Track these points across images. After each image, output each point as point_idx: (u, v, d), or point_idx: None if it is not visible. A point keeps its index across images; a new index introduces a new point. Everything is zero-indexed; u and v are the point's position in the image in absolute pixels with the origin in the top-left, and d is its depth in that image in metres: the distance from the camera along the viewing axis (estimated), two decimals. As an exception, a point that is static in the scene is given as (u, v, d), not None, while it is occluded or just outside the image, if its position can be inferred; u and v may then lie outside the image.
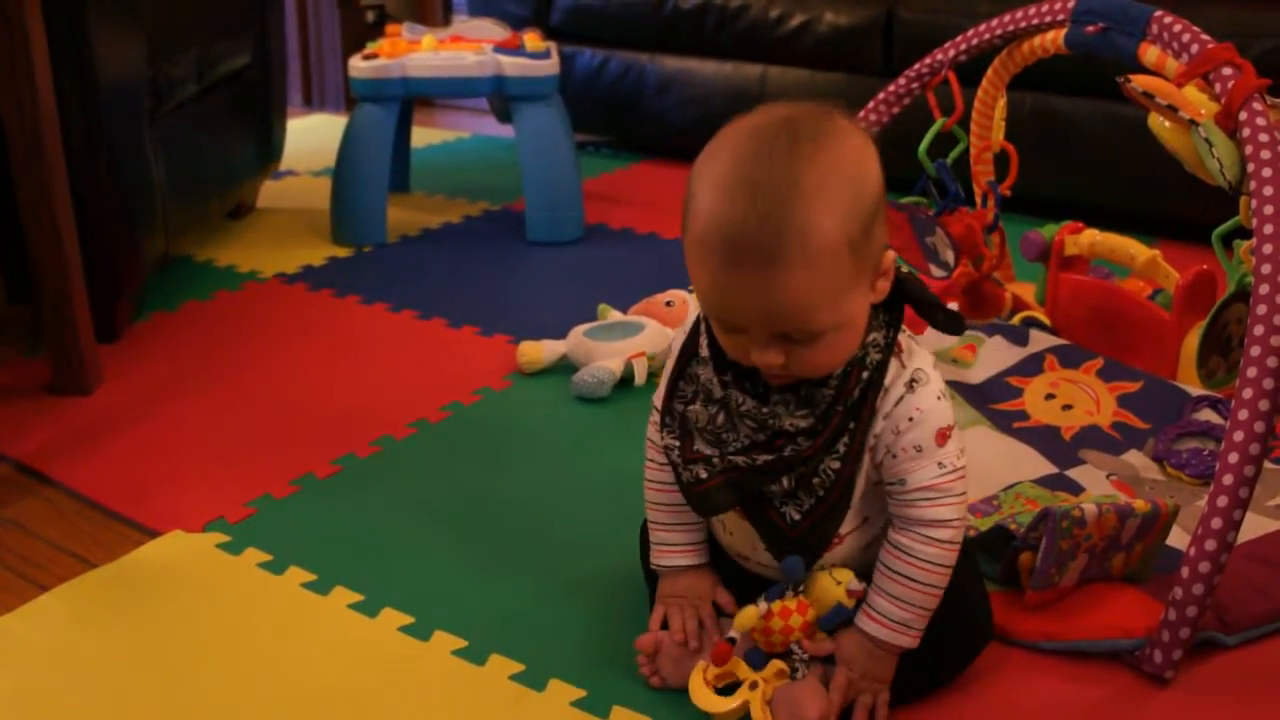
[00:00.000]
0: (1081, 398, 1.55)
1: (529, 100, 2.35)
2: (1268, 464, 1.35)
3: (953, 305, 1.70)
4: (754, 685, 1.04)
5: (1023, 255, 1.77)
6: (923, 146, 1.65)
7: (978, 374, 1.62)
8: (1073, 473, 1.42)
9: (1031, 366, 1.61)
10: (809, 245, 0.88)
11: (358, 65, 2.35)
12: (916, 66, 1.67)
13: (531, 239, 2.39)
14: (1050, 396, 1.56)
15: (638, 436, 1.16)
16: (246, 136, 2.40)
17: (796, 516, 1.01)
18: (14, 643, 1.18)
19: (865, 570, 1.05)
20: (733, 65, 2.87)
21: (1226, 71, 1.27)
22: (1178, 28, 1.35)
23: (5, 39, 1.55)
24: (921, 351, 1.02)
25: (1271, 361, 1.06)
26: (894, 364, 0.99)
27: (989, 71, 1.71)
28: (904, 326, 1.02)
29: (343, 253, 2.34)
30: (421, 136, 3.19)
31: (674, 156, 3.00)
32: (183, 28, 2.08)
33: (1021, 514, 1.21)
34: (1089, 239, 1.71)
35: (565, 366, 1.79)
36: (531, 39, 2.45)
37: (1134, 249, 1.67)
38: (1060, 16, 1.52)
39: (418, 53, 2.38)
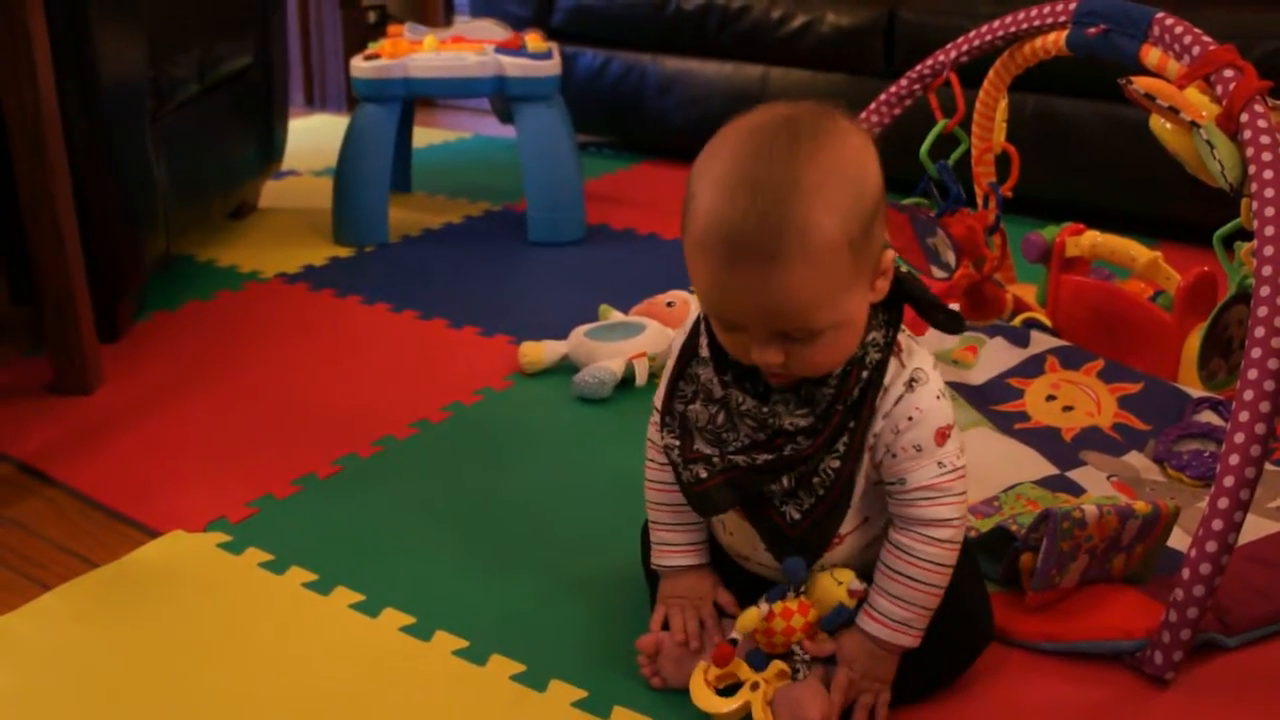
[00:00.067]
0: (1082, 399, 1.55)
1: (530, 101, 2.35)
2: (1268, 466, 1.35)
3: (954, 306, 1.70)
4: (755, 686, 1.04)
5: (1024, 257, 1.77)
6: (924, 148, 1.66)
7: (979, 375, 1.62)
8: (1073, 474, 1.42)
9: (1032, 368, 1.61)
10: (809, 244, 0.88)
11: (359, 65, 2.35)
12: (918, 68, 1.67)
13: (533, 239, 2.39)
14: (1051, 398, 1.56)
15: (639, 437, 1.16)
16: (248, 136, 2.40)
17: (797, 516, 1.01)
18: (16, 642, 1.18)
19: (866, 570, 1.05)
20: (734, 66, 2.87)
21: (1228, 73, 1.28)
22: (1179, 29, 1.35)
23: (7, 39, 1.55)
24: (921, 351, 1.02)
25: (1272, 363, 1.06)
26: (893, 363, 0.99)
27: (990, 73, 1.71)
28: (904, 327, 1.02)
29: (344, 253, 2.35)
30: (423, 137, 3.19)
31: (675, 157, 3.00)
32: (184, 28, 2.09)
33: (1022, 515, 1.21)
34: (1090, 240, 1.71)
35: (566, 367, 1.80)
36: (533, 39, 2.45)
37: (1135, 250, 1.67)
38: (1062, 18, 1.52)
39: (419, 53, 2.38)
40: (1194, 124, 1.29)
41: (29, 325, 1.83)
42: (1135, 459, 1.47)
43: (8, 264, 1.79)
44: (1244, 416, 1.06)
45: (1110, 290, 1.69)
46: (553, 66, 2.36)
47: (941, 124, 1.66)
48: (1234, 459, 1.05)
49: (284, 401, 1.71)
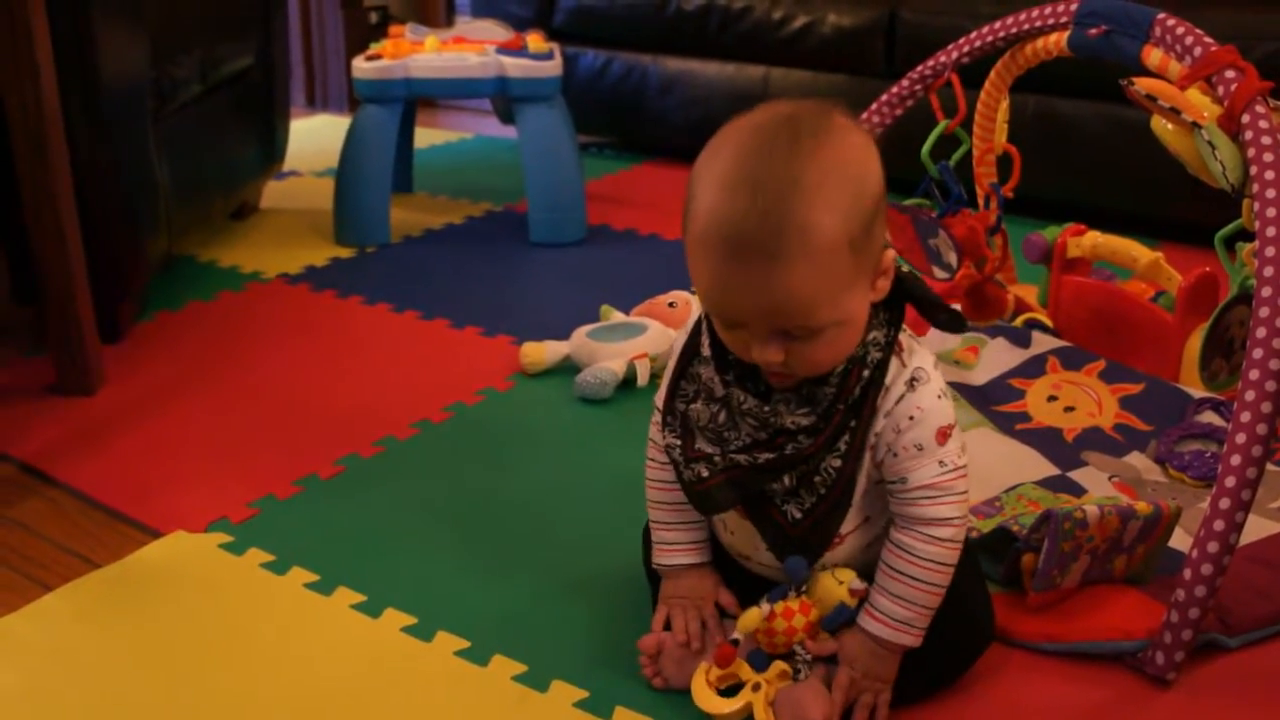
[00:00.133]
0: (1084, 400, 1.55)
1: (532, 101, 2.35)
2: (1270, 466, 1.35)
3: (955, 306, 1.70)
4: (757, 687, 1.04)
5: (1025, 257, 1.77)
6: (925, 148, 1.66)
7: (980, 376, 1.62)
8: (1075, 474, 1.43)
9: (1034, 368, 1.61)
10: (809, 242, 0.89)
11: (361, 66, 2.35)
12: (919, 68, 1.67)
13: (534, 240, 2.39)
14: (1052, 398, 1.56)
15: (640, 437, 1.16)
16: (250, 137, 2.40)
17: (798, 515, 1.01)
18: (17, 642, 1.18)
19: (867, 570, 1.05)
20: (735, 66, 2.87)
21: (1229, 74, 1.28)
22: (1180, 30, 1.35)
23: (9, 39, 1.56)
24: (922, 350, 1.02)
25: (1273, 364, 1.06)
26: (895, 363, 0.99)
27: (992, 74, 1.71)
28: (905, 326, 1.02)
29: (346, 253, 2.35)
30: (424, 137, 3.19)
31: (676, 157, 3.00)
32: (186, 28, 2.09)
33: (1024, 515, 1.21)
34: (1091, 241, 1.71)
35: (568, 367, 1.80)
36: (534, 40, 2.46)
37: (1136, 251, 1.67)
38: (1063, 19, 1.52)
39: (421, 54, 2.38)
40: (1195, 125, 1.29)
41: (31, 325, 1.83)
42: (1137, 459, 1.47)
43: (10, 264, 1.79)
44: (1245, 417, 1.06)
45: (1111, 291, 1.69)
46: (554, 67, 2.37)
47: (943, 125, 1.66)
48: (1235, 459, 1.05)
49: (286, 402, 1.71)
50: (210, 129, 2.19)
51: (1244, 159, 1.24)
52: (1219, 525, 1.06)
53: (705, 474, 1.02)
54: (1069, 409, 1.54)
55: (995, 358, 1.64)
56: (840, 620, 1.04)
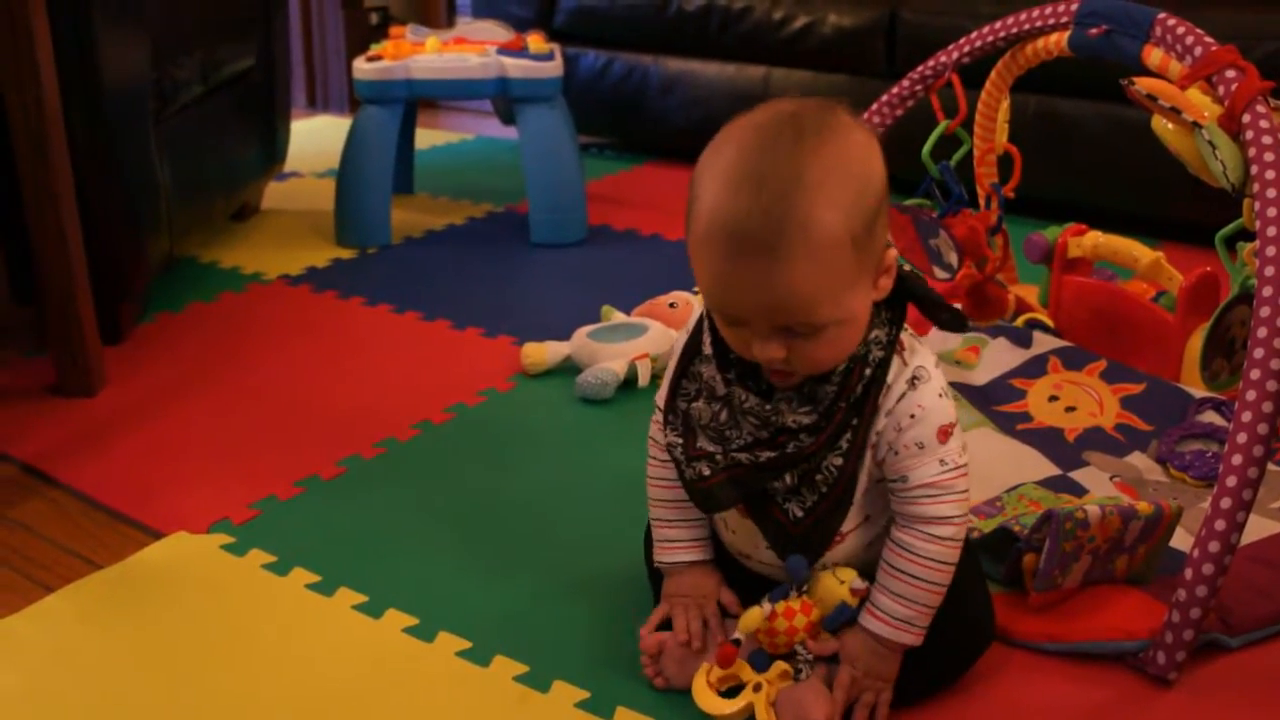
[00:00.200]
0: (1085, 400, 1.55)
1: (532, 102, 2.35)
2: (1271, 466, 1.35)
3: (956, 306, 1.70)
4: (758, 687, 1.04)
5: (1026, 257, 1.77)
6: (926, 149, 1.66)
7: (981, 376, 1.62)
8: (1076, 474, 1.43)
9: (1035, 368, 1.61)
10: (812, 239, 0.89)
11: (362, 67, 2.35)
12: (920, 69, 1.67)
13: (535, 240, 2.40)
14: (1053, 398, 1.56)
15: (641, 437, 1.16)
16: (251, 138, 2.40)
17: (799, 513, 1.01)
18: (19, 643, 1.18)
19: (867, 569, 1.05)
20: (736, 67, 2.87)
21: (1230, 74, 1.28)
22: (1181, 30, 1.35)
23: (10, 40, 1.56)
24: (923, 349, 1.02)
25: (1274, 364, 1.06)
26: (896, 361, 1.00)
27: (992, 74, 1.71)
28: (907, 325, 1.02)
29: (347, 254, 2.35)
30: (425, 138, 3.19)
31: (677, 158, 3.00)
32: (187, 29, 2.09)
33: (1025, 515, 1.21)
34: (1092, 241, 1.71)
35: (569, 368, 1.80)
36: (535, 41, 2.46)
37: (1137, 251, 1.67)
38: (1064, 19, 1.52)
39: (421, 55, 2.39)
40: (1196, 124, 1.29)
41: (32, 326, 1.82)
42: (1138, 459, 1.47)
43: (10, 264, 1.79)
44: (1246, 416, 1.06)
45: (1112, 291, 1.69)
46: (555, 68, 2.37)
47: (943, 125, 1.66)
48: (1236, 459, 1.06)
49: (287, 403, 1.71)
50: (211, 130, 2.19)
51: (1245, 159, 1.24)
52: (1220, 525, 1.06)
53: (707, 472, 1.02)
54: (1070, 409, 1.54)
55: (996, 358, 1.64)
56: (841, 619, 1.04)
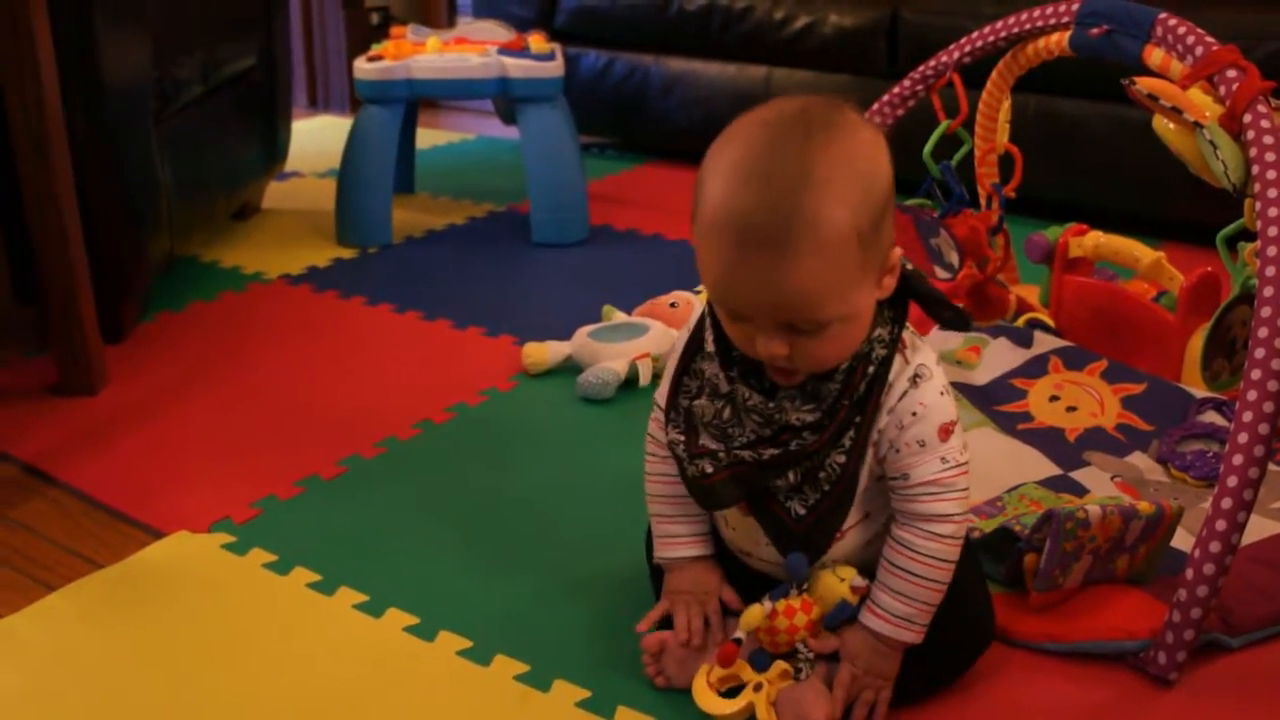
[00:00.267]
0: (1086, 400, 1.55)
1: (533, 102, 2.35)
2: (1271, 466, 1.35)
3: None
4: (758, 687, 1.04)
5: (1027, 257, 1.77)
6: (927, 149, 1.66)
7: (982, 376, 1.62)
8: (1077, 474, 1.43)
9: (1036, 368, 1.61)
10: (818, 235, 0.89)
11: (363, 67, 2.35)
12: (921, 69, 1.67)
13: (536, 240, 2.40)
14: (1054, 398, 1.56)
15: (642, 437, 1.16)
16: (252, 138, 2.40)
17: (801, 511, 1.01)
18: (21, 643, 1.18)
19: (866, 567, 1.05)
20: (737, 67, 2.87)
21: (1231, 74, 1.28)
22: (1182, 30, 1.35)
23: (11, 39, 1.56)
24: (925, 348, 1.02)
25: (1275, 364, 1.06)
26: (898, 359, 1.00)
27: (993, 74, 1.71)
28: (909, 324, 1.02)
29: (348, 254, 2.35)
30: (426, 138, 3.19)
31: (678, 158, 3.00)
32: (188, 29, 2.09)
33: (1026, 515, 1.21)
34: (1093, 241, 1.71)
35: (570, 367, 1.80)
36: (536, 41, 2.46)
37: (1138, 251, 1.67)
38: (1065, 19, 1.52)
39: (422, 54, 2.39)
40: (1197, 124, 1.29)
41: (33, 325, 1.82)
42: (1139, 459, 1.47)
43: (12, 264, 1.79)
44: (1247, 416, 1.06)
45: (1113, 291, 1.69)
46: (556, 68, 2.37)
47: (944, 125, 1.66)
48: (1237, 459, 1.06)
49: (288, 402, 1.71)
50: (212, 129, 2.20)
51: (1246, 159, 1.24)
52: (1221, 525, 1.06)
53: (709, 470, 1.02)
54: (1071, 409, 1.54)
55: (997, 358, 1.64)
56: (842, 618, 1.04)
